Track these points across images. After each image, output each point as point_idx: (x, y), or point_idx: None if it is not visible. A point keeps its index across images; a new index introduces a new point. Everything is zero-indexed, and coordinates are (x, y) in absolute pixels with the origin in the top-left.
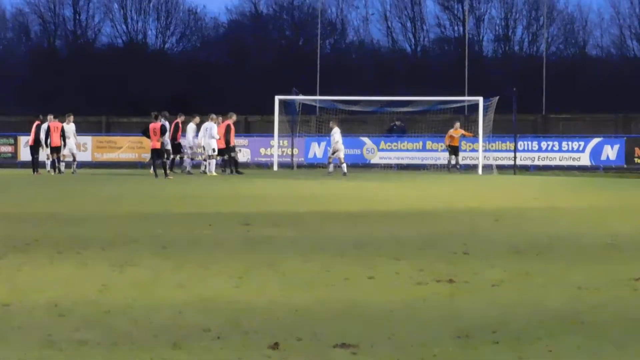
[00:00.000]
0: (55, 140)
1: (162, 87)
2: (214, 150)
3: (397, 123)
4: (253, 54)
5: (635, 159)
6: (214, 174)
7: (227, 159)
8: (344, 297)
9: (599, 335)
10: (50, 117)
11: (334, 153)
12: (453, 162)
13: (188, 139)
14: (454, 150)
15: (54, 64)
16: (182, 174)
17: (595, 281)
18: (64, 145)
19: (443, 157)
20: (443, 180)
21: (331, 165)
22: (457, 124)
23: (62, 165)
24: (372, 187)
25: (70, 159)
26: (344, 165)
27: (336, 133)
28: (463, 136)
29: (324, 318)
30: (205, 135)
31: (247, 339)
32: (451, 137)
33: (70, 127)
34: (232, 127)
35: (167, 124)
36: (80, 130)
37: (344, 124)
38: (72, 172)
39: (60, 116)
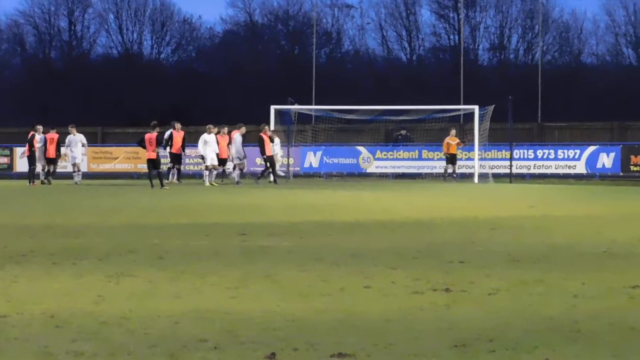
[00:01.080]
0: (51, 151)
1: (158, 97)
2: (204, 160)
3: (403, 132)
4: (248, 63)
5: (631, 167)
6: (208, 184)
7: (268, 169)
8: (341, 307)
9: (595, 344)
10: (39, 127)
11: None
12: (450, 170)
13: (238, 149)
14: (451, 159)
15: (50, 75)
16: (228, 184)
17: (591, 290)
18: (59, 156)
19: (439, 166)
20: (439, 190)
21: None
22: (453, 132)
23: (79, 176)
24: (368, 197)
25: (72, 170)
26: (272, 175)
27: (276, 145)
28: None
29: (320, 328)
30: (205, 146)
31: (244, 349)
32: (448, 144)
33: (76, 137)
34: (266, 138)
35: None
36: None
37: (340, 133)
38: (76, 183)
39: (58, 127)
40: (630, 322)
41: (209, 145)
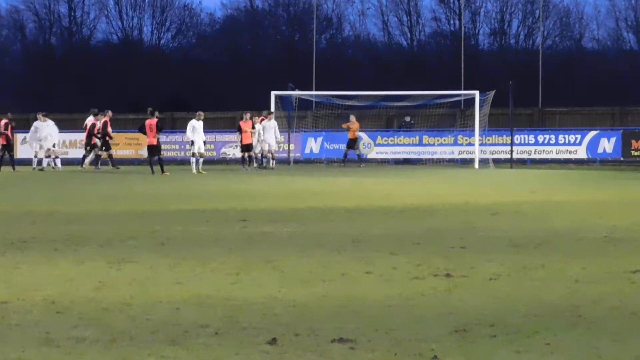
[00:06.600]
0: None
1: (158, 83)
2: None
3: (407, 119)
4: (249, 49)
5: (632, 152)
6: (195, 172)
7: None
8: (342, 293)
9: (596, 329)
10: (39, 115)
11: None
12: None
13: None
14: (351, 143)
15: (50, 61)
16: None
17: (592, 275)
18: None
19: (440, 152)
20: (440, 175)
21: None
22: (352, 117)
23: (58, 162)
24: (369, 183)
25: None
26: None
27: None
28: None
29: (321, 313)
30: (194, 133)
31: (245, 335)
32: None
33: (46, 123)
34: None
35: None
36: (77, 127)
37: (340, 119)
38: (53, 168)
39: (57, 114)
40: (631, 307)
41: (197, 132)
